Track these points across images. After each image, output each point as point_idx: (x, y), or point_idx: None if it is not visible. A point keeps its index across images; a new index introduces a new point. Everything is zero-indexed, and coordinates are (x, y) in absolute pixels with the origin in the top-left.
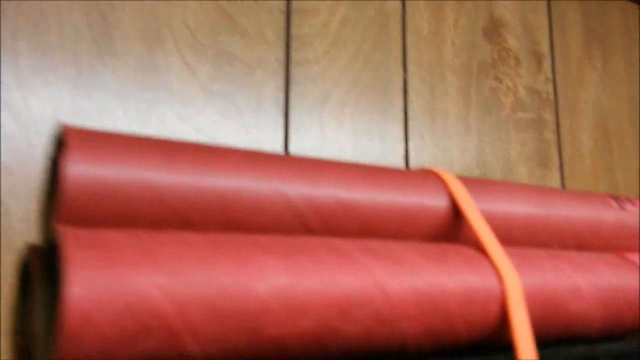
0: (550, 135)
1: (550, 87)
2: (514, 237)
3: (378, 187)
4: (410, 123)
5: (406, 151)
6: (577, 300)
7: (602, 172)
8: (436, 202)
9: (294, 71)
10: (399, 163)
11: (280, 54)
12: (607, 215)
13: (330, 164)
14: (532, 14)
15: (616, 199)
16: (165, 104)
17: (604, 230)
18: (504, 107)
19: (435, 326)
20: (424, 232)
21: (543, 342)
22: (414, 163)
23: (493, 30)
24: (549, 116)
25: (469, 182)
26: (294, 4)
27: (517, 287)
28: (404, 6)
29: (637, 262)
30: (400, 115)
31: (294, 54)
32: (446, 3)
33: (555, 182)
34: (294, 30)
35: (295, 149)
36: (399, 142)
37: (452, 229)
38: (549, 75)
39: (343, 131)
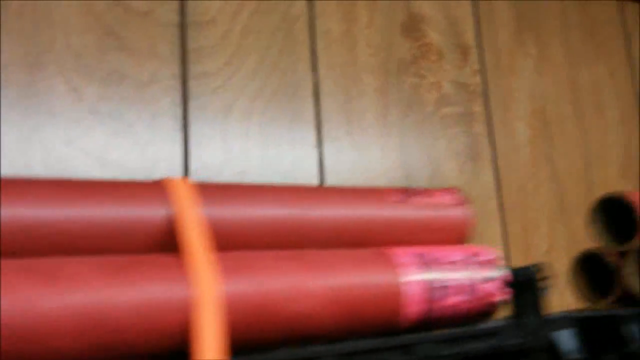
0: (480, 128)
1: (478, 79)
2: (252, 240)
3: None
4: (325, 127)
5: (320, 156)
6: (304, 300)
7: (542, 162)
8: (153, 213)
9: (193, 84)
10: (313, 169)
11: (176, 69)
12: (379, 211)
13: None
14: (456, 5)
15: (405, 192)
16: (49, 130)
17: (373, 225)
18: (428, 104)
19: (101, 341)
20: (141, 243)
21: (258, 344)
22: (330, 168)
23: (412, 26)
24: (478, 108)
25: (209, 188)
26: (189, 16)
27: (211, 294)
28: (311, 9)
29: (396, 256)
30: (312, 119)
31: (192, 68)
32: (358, 3)
33: (487, 175)
34: (191, 44)
35: (196, 163)
36: (313, 148)
37: (169, 239)
38: (477, 66)
39: (250, 141)
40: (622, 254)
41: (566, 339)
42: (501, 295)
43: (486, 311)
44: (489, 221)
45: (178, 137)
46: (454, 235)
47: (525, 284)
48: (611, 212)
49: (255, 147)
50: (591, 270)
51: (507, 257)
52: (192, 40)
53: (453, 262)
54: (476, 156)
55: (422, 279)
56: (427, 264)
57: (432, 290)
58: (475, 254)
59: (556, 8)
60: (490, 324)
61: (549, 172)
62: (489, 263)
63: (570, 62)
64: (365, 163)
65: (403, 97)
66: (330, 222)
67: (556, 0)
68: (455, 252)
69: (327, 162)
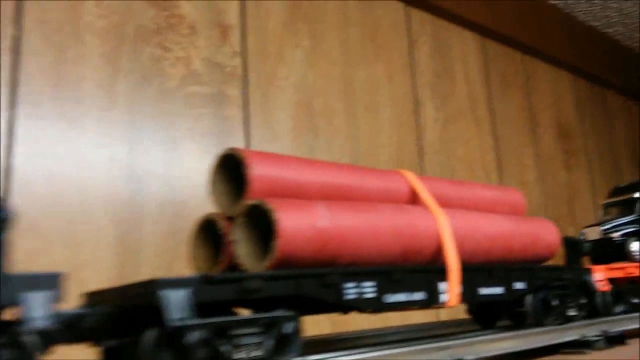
0: (234, 112)
1: (237, 61)
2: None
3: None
4: (22, 88)
5: (11, 120)
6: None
7: (303, 154)
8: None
9: None
10: None
11: None
12: None
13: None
14: None
15: None
16: None
17: None
18: (171, 79)
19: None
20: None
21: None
22: (24, 135)
23: None
24: (234, 92)
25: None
26: None
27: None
28: None
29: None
30: (7, 77)
31: None
32: None
33: None
34: None
35: None
36: (4, 110)
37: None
38: (238, 48)
39: None
40: (232, 219)
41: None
42: None
43: None
44: None
45: None
46: None
47: None
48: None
49: None
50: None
51: None
52: None
53: None
54: (225, 141)
55: None
56: None
57: None
58: None
59: (336, 4)
60: None
61: None
62: None
63: (346, 60)
64: (74, 135)
65: (138, 67)
66: None
67: None
68: None
69: (20, 129)
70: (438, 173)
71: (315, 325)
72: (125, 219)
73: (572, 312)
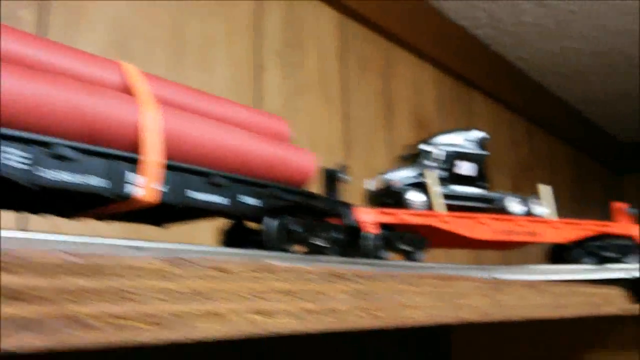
0: None
1: None
2: None
3: None
4: None
5: None
6: None
7: None
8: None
9: None
10: None
11: None
12: None
13: None
14: None
15: None
16: None
17: None
18: None
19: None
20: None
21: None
22: None
23: None
24: (28, 17)
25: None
26: None
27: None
28: None
29: None
30: None
31: None
32: None
33: None
34: None
35: None
36: None
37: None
38: None
39: None
40: None
41: None
42: None
43: None
44: None
45: None
46: None
47: None
48: None
49: None
50: None
51: None
52: None
53: None
54: None
55: None
56: None
57: None
58: None
59: None
60: None
61: None
62: None
63: (179, 8)
64: None
65: None
66: None
67: None
68: None
69: None
70: None
71: None
72: None
73: (321, 243)
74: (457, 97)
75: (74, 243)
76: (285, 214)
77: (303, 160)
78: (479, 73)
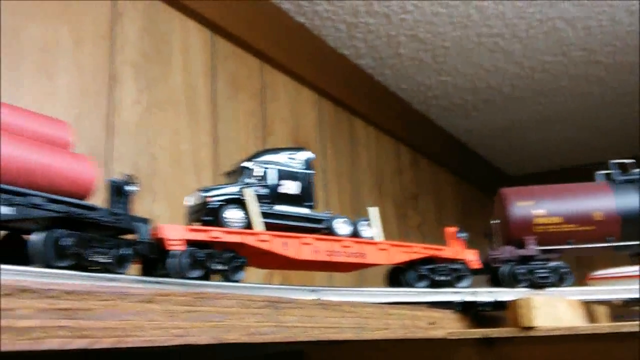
0: None
1: None
2: None
3: None
4: None
5: None
6: None
7: None
8: None
9: None
10: None
11: None
12: None
13: None
14: None
15: None
16: None
17: None
18: None
19: None
20: None
21: None
22: None
23: None
24: None
25: None
26: None
27: None
28: None
29: None
30: None
31: None
32: None
33: None
34: None
35: None
36: None
37: None
38: None
39: None
40: None
41: None
42: None
43: None
44: None
45: None
46: None
47: None
48: None
49: None
50: None
51: None
52: None
53: None
54: None
55: None
56: None
57: None
58: None
59: None
60: None
61: None
62: None
63: (14, 7)
64: None
65: None
66: None
67: None
68: None
69: None
70: (133, 157)
71: None
72: None
73: (98, 259)
74: (338, 123)
75: None
76: (63, 228)
77: (80, 169)
78: (361, 100)
